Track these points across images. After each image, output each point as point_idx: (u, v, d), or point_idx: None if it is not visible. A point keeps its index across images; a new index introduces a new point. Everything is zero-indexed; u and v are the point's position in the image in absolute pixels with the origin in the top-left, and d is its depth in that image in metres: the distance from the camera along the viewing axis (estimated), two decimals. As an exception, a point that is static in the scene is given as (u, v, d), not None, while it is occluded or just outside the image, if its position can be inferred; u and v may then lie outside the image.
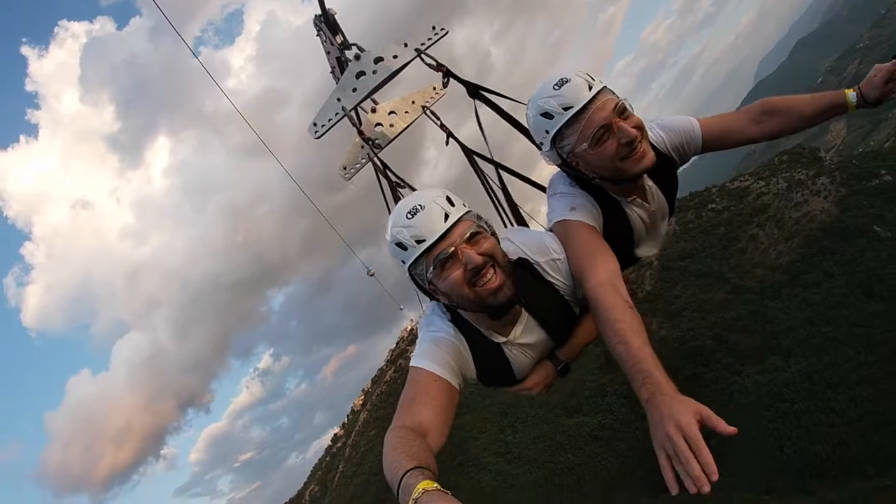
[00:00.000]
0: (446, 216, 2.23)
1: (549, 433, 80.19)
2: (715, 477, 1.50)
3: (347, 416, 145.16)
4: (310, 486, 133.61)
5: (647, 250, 3.11)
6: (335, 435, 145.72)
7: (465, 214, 2.29)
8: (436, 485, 1.55)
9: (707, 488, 1.49)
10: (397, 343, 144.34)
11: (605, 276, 2.36)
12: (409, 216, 2.24)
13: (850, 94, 2.71)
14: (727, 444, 65.17)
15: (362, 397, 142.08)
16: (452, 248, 2.21)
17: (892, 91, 2.64)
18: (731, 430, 1.55)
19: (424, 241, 2.22)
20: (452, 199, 2.31)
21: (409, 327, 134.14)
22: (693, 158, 3.10)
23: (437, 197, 2.29)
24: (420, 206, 2.25)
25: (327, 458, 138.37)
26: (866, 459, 56.27)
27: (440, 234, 2.20)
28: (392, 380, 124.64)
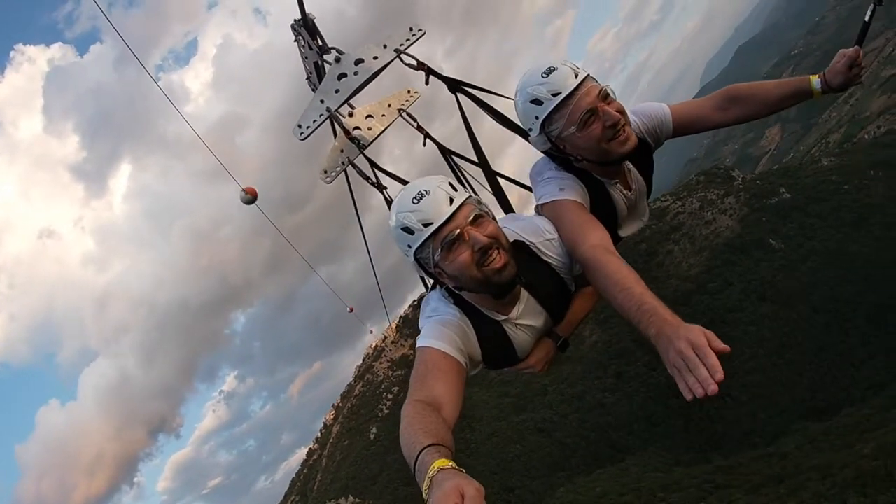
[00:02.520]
0: (451, 200, 2.27)
1: (500, 429, 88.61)
2: (720, 376, 1.59)
3: (321, 430, 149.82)
4: (290, 497, 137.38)
5: (628, 230, 3.23)
6: (310, 449, 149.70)
7: (467, 198, 2.33)
8: (451, 463, 1.57)
9: (714, 387, 1.58)
10: (363, 360, 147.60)
11: (597, 239, 2.46)
12: (415, 201, 2.27)
13: (815, 80, 2.77)
14: (644, 426, 77.47)
15: (333, 412, 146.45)
16: (459, 231, 2.24)
17: (856, 77, 2.70)
18: (725, 347, 1.66)
19: (431, 224, 2.24)
20: (454, 184, 2.35)
21: (374, 344, 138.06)
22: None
23: (440, 182, 2.33)
24: (425, 191, 2.28)
25: (304, 471, 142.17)
26: (755, 434, 68.10)
27: (447, 216, 2.23)
28: (361, 394, 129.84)
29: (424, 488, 1.52)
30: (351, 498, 66.69)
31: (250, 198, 5.43)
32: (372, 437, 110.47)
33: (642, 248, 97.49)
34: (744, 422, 70.31)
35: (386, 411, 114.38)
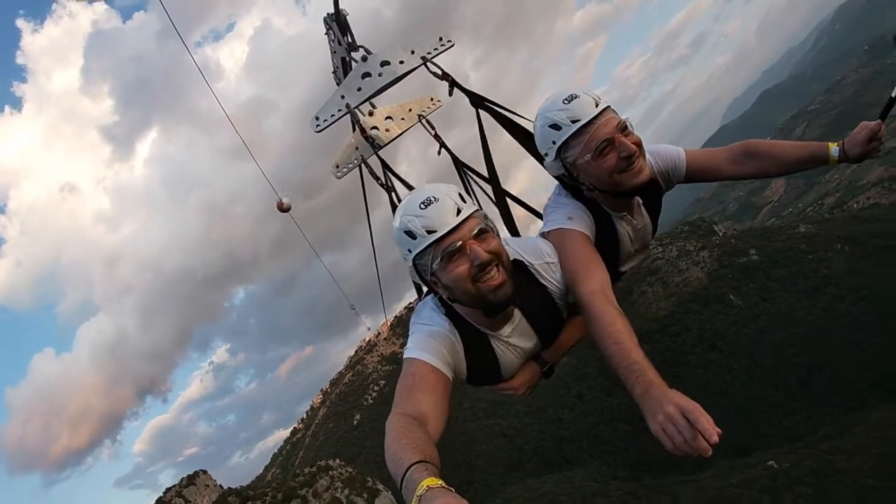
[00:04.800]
0: (458, 210, 2.23)
1: (469, 430, 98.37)
2: (715, 440, 1.58)
3: (307, 412, 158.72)
4: (271, 469, 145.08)
5: (628, 264, 3.29)
6: (295, 428, 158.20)
7: (475, 212, 2.30)
8: (440, 482, 1.52)
9: (708, 452, 1.60)
10: (356, 352, 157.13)
11: (598, 284, 2.43)
12: (423, 206, 2.23)
13: (833, 147, 2.75)
14: (593, 442, 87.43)
15: (321, 396, 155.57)
16: (461, 242, 2.20)
17: (874, 150, 2.70)
18: (716, 431, 1.59)
19: (435, 231, 2.20)
20: (463, 195, 2.31)
21: (368, 339, 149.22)
22: None
23: (450, 191, 2.29)
24: (434, 198, 2.24)
25: (287, 447, 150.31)
26: (683, 461, 73.31)
27: (451, 226, 2.20)
28: (350, 382, 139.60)
29: None
30: (338, 460, 76.73)
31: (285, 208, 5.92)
32: (355, 423, 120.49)
33: (620, 285, 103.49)
34: (676, 451, 79.80)
35: (371, 401, 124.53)
